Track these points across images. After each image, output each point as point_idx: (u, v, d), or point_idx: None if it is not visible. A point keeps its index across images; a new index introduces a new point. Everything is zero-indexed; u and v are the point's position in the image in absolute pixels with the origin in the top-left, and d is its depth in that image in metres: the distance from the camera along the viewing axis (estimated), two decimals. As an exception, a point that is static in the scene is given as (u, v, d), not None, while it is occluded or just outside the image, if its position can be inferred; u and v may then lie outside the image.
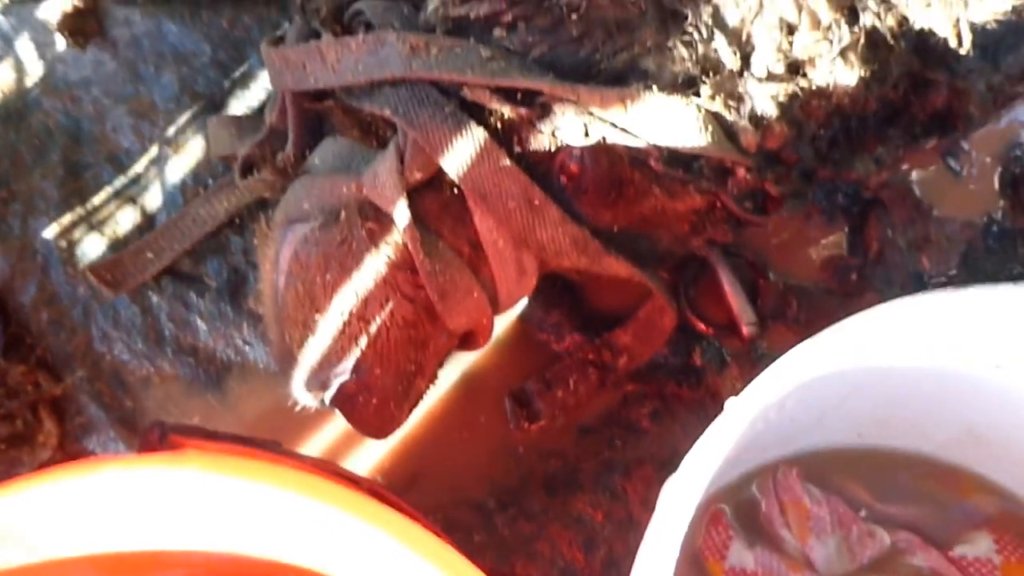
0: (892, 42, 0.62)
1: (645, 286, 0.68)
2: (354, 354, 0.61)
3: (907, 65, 0.65)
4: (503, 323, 0.74)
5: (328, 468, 0.57)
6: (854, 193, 0.76)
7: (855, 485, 0.64)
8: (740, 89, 0.59)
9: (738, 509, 0.63)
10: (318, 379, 0.62)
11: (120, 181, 0.79)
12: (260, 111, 0.76)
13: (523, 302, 0.73)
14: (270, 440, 0.53)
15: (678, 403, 0.72)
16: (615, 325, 0.72)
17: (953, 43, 0.63)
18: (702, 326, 0.73)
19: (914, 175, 0.76)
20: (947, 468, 0.64)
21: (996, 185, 0.76)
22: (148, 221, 0.79)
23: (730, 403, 0.46)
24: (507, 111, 0.59)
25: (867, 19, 0.60)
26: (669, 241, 0.68)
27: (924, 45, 0.65)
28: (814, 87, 0.61)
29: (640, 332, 0.71)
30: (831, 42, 0.60)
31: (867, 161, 0.68)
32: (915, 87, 0.68)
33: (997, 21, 0.64)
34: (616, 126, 0.59)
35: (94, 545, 0.49)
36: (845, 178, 0.70)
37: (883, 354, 0.52)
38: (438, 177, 0.60)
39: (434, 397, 0.74)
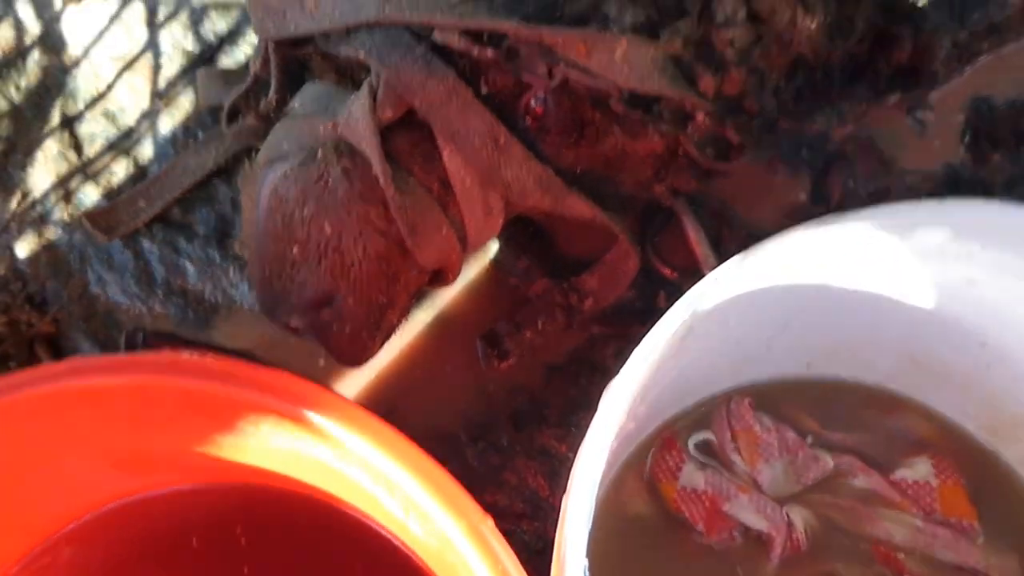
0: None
1: (611, 232, 0.71)
2: (329, 285, 0.64)
3: (872, 20, 0.67)
4: (475, 268, 0.77)
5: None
6: (819, 146, 0.78)
7: (803, 414, 0.67)
8: (699, 33, 0.62)
9: (692, 436, 0.66)
10: (296, 309, 0.66)
11: (114, 134, 0.83)
12: (247, 65, 0.80)
13: (493, 246, 0.76)
14: (242, 350, 0.57)
15: (642, 343, 0.75)
16: (582, 270, 0.75)
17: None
18: (667, 271, 0.75)
19: (878, 129, 0.78)
20: (890, 397, 0.67)
21: (959, 138, 0.78)
22: (141, 172, 0.82)
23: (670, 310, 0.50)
24: (474, 53, 0.62)
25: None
26: (632, 186, 0.70)
27: (890, 1, 0.68)
28: (774, 35, 0.63)
29: (605, 276, 0.74)
30: (790, -11, 0.63)
31: (830, 114, 0.71)
32: (880, 42, 0.70)
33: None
34: (578, 67, 0.62)
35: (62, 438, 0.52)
36: (808, 130, 0.72)
37: (814, 275, 0.55)
38: (409, 116, 0.63)
39: (411, 337, 0.77)
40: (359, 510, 0.57)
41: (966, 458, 0.66)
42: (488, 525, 0.46)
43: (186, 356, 0.51)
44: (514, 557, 0.45)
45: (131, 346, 0.53)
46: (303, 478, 0.57)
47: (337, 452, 0.49)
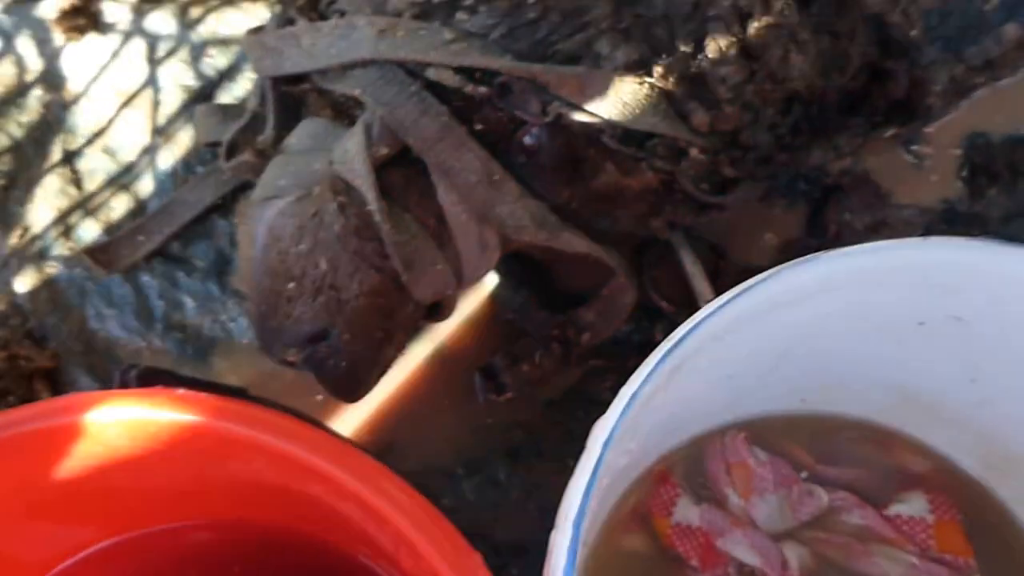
0: (843, 27, 0.66)
1: (608, 267, 0.72)
2: (325, 320, 0.65)
3: (867, 55, 0.68)
4: (473, 302, 0.78)
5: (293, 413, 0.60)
6: (815, 179, 0.79)
7: (798, 449, 0.67)
8: (692, 71, 0.63)
9: (687, 471, 0.66)
10: (291, 345, 0.66)
11: (114, 169, 0.84)
12: (245, 101, 0.81)
13: (491, 280, 0.77)
14: (236, 387, 0.57)
15: (639, 377, 0.76)
16: (580, 304, 0.75)
17: (905, 27, 0.66)
18: (664, 305, 0.76)
19: (875, 164, 0.78)
20: (884, 432, 0.67)
21: (954, 173, 0.78)
22: (140, 207, 0.83)
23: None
24: (468, 90, 0.63)
25: (818, 5, 0.64)
26: (628, 221, 0.71)
27: (885, 36, 0.69)
28: (767, 72, 0.64)
29: (603, 310, 0.74)
30: (781, 27, 0.63)
31: (826, 148, 0.71)
32: (875, 77, 0.71)
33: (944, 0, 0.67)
34: (571, 104, 0.62)
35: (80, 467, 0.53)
36: (804, 164, 0.72)
37: (803, 311, 0.55)
38: (404, 153, 0.64)
39: (408, 372, 0.77)
40: (351, 545, 0.57)
41: (962, 494, 0.65)
42: (476, 560, 0.46)
43: (180, 393, 0.51)
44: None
45: (124, 384, 0.54)
46: (296, 513, 0.57)
47: (328, 488, 0.49)
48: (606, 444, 0.45)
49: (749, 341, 0.56)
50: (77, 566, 0.62)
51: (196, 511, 0.60)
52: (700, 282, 0.75)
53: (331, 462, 0.48)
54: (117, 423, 0.51)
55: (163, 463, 0.52)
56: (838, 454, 0.67)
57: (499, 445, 0.75)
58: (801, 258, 0.51)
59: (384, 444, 0.76)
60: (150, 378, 0.52)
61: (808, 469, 0.66)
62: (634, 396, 0.47)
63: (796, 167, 0.72)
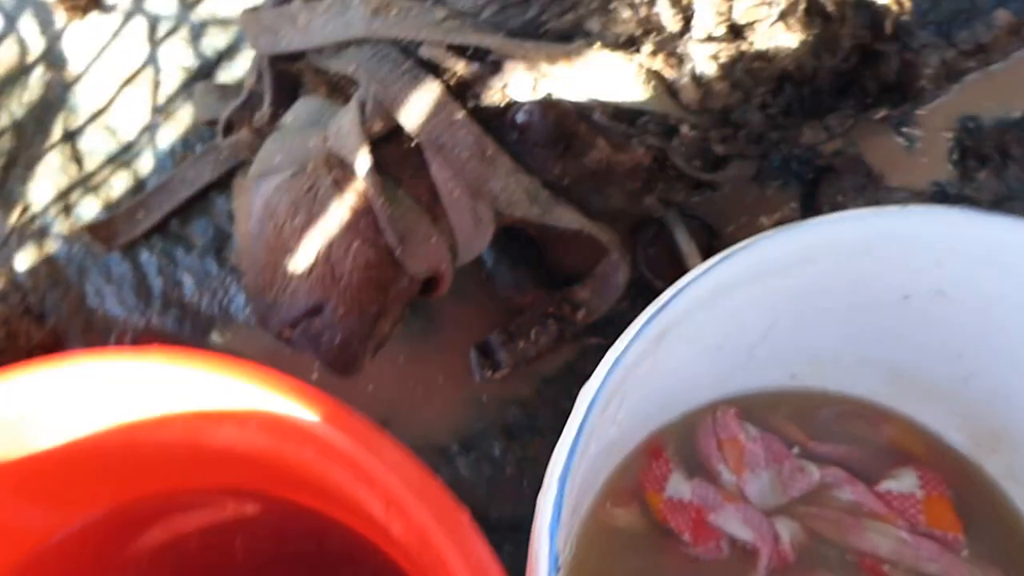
0: (835, 8, 0.66)
1: (601, 244, 0.72)
2: (320, 294, 0.65)
3: (858, 37, 0.68)
4: (469, 280, 0.78)
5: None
6: (808, 160, 0.79)
7: (789, 425, 0.67)
8: (681, 49, 0.63)
9: (679, 446, 0.67)
10: (287, 318, 0.67)
11: (114, 147, 0.85)
12: (243, 80, 0.81)
13: (488, 256, 0.77)
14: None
15: (634, 355, 0.76)
16: (574, 282, 0.76)
17: (895, 8, 0.67)
18: (658, 283, 0.76)
19: (866, 146, 0.79)
20: (874, 409, 0.67)
21: (945, 155, 0.79)
22: (140, 184, 0.84)
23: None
24: (461, 68, 0.63)
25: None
26: (620, 198, 0.71)
27: (876, 18, 0.69)
28: (755, 50, 0.64)
29: (597, 287, 0.75)
30: (770, 5, 0.64)
31: (817, 128, 0.72)
32: (866, 59, 0.71)
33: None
34: (562, 81, 0.63)
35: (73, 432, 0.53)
36: (794, 143, 0.73)
37: (788, 280, 0.56)
38: (397, 129, 0.65)
39: (404, 349, 0.78)
40: (344, 514, 0.58)
41: (951, 470, 0.66)
42: (464, 517, 0.46)
43: (174, 349, 0.52)
44: (491, 551, 0.46)
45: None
46: (289, 482, 0.57)
47: (319, 449, 0.50)
48: (591, 405, 0.46)
49: (736, 309, 0.56)
50: (72, 538, 0.62)
51: (190, 479, 0.60)
52: (695, 260, 0.76)
53: (322, 421, 0.49)
54: (109, 379, 0.51)
55: (156, 425, 0.53)
56: (829, 431, 0.67)
57: (494, 422, 0.76)
58: (786, 225, 0.51)
59: (379, 421, 0.75)
60: (147, 339, 0.53)
61: (799, 445, 0.67)
62: (619, 359, 0.48)
63: (788, 146, 0.73)
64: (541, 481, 0.73)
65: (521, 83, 0.63)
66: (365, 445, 0.48)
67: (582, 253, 0.77)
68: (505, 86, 0.64)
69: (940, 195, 0.78)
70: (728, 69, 0.64)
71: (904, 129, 0.79)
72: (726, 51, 0.63)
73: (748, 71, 0.65)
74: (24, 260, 0.82)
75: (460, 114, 0.64)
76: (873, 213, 0.52)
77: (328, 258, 0.65)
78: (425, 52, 0.64)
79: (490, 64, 0.64)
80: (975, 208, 0.51)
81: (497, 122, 0.65)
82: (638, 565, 0.64)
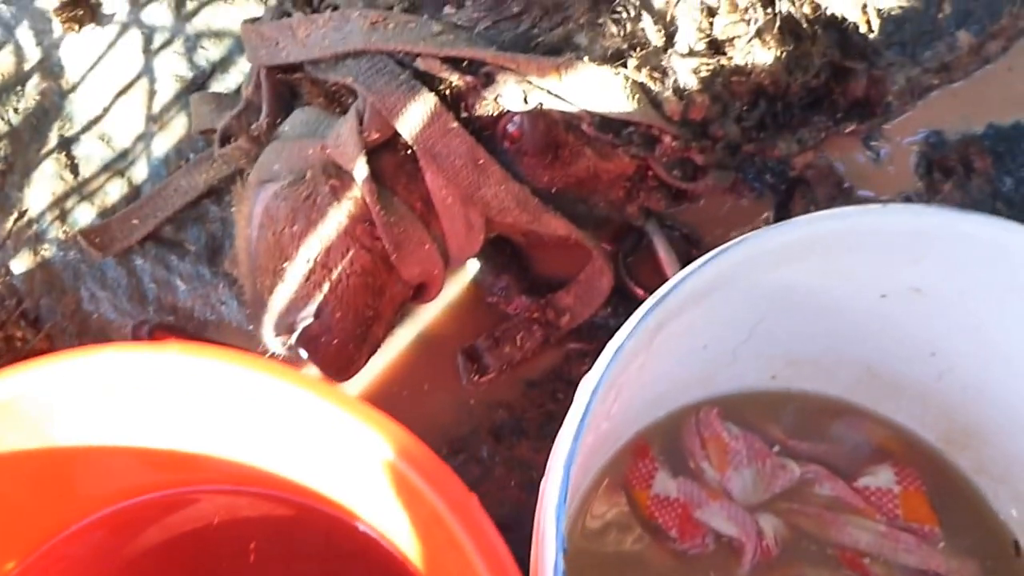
0: (807, 27, 0.69)
1: (586, 252, 0.75)
2: (317, 299, 0.67)
3: (829, 55, 0.71)
4: (457, 287, 0.80)
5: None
6: (781, 172, 0.82)
7: (770, 424, 0.70)
8: (664, 63, 0.66)
9: (664, 445, 0.69)
10: (285, 322, 0.68)
11: (109, 155, 0.86)
12: (238, 90, 0.83)
13: (474, 266, 0.79)
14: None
15: (617, 360, 0.78)
16: (559, 288, 0.78)
17: (863, 28, 0.70)
18: (640, 291, 0.79)
19: (838, 159, 0.82)
20: (852, 408, 0.70)
21: (912, 168, 0.82)
22: (135, 192, 0.86)
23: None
24: (455, 79, 0.66)
25: (783, 5, 0.67)
26: (605, 206, 0.74)
27: (845, 38, 0.72)
28: (734, 65, 0.67)
29: (581, 293, 0.77)
30: (748, 23, 0.67)
31: (790, 141, 0.75)
32: (836, 76, 0.75)
33: (902, 7, 0.71)
34: (552, 93, 0.66)
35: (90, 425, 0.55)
36: (769, 155, 0.75)
37: (771, 280, 0.58)
38: (394, 139, 0.67)
39: (393, 354, 0.80)
40: (355, 510, 0.59)
41: (926, 466, 0.69)
42: (474, 501, 0.48)
43: (192, 344, 0.54)
44: (498, 532, 0.48)
45: (136, 338, 0.56)
46: (305, 471, 0.59)
47: (334, 435, 0.51)
48: (594, 392, 0.48)
49: (725, 307, 0.59)
50: (73, 537, 0.64)
51: (203, 476, 0.62)
52: (674, 269, 0.78)
53: (336, 407, 0.51)
54: (127, 373, 0.53)
55: (172, 419, 0.54)
56: (808, 429, 0.70)
57: (482, 424, 0.78)
58: (775, 223, 0.54)
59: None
60: (161, 334, 0.55)
61: (780, 444, 0.69)
62: (620, 348, 0.50)
63: (762, 158, 0.76)
64: (529, 482, 0.76)
65: (512, 94, 0.66)
66: (377, 429, 0.50)
67: (566, 260, 0.79)
68: (497, 97, 0.66)
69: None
70: (708, 83, 0.67)
71: (872, 143, 0.82)
72: (706, 65, 0.66)
73: (727, 85, 0.68)
74: (20, 265, 0.84)
75: (454, 124, 0.66)
76: (856, 211, 0.54)
77: (326, 263, 0.67)
78: (421, 64, 0.66)
79: (483, 76, 0.66)
80: (952, 207, 0.53)
81: (489, 132, 0.68)
82: (627, 559, 0.67)
